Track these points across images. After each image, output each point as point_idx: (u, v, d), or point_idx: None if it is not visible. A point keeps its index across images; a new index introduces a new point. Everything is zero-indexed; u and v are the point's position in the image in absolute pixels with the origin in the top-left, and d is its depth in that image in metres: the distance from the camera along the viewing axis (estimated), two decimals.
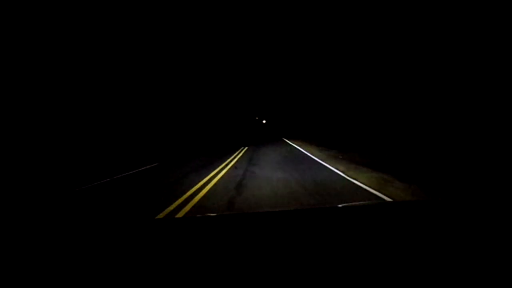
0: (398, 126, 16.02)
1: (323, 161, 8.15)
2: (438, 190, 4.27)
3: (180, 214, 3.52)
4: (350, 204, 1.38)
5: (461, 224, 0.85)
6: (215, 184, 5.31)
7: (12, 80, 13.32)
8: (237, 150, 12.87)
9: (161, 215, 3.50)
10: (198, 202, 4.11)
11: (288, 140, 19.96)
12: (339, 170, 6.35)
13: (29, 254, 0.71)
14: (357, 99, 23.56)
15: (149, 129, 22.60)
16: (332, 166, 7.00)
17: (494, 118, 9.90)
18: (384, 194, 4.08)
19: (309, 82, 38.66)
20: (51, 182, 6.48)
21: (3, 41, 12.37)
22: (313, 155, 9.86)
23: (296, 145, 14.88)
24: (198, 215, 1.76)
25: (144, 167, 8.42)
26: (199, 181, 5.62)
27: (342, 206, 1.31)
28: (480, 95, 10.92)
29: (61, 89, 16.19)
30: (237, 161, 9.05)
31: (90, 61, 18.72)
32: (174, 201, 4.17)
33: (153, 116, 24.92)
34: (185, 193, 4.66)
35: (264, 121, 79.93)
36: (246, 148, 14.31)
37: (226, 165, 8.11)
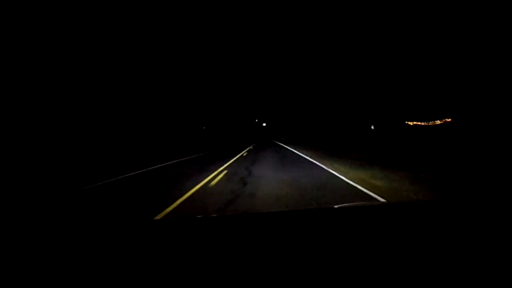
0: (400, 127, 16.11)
1: None
2: None
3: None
4: (346, 205, 1.40)
5: (458, 225, 0.85)
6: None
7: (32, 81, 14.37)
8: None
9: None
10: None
11: (297, 150, 16.55)
12: None
13: (29, 254, 0.73)
14: (357, 104, 23.31)
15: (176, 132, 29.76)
16: None
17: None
18: None
19: (309, 87, 38.54)
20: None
21: (7, 43, 12.24)
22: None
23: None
24: (198, 216, 1.76)
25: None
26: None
27: (339, 207, 1.31)
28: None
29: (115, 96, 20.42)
30: None
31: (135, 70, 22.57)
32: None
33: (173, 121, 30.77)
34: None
35: (264, 124, 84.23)
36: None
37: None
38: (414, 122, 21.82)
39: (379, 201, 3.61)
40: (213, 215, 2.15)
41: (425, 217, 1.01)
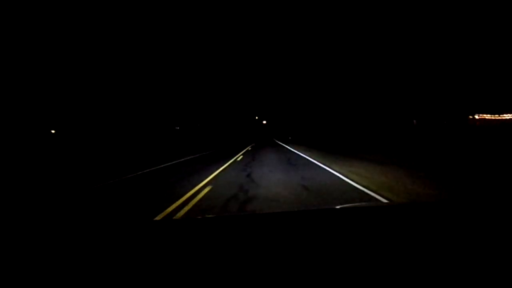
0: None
1: None
2: None
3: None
4: (348, 205, 1.38)
5: (461, 226, 0.86)
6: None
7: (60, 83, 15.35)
8: None
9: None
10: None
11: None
12: None
13: (30, 253, 0.75)
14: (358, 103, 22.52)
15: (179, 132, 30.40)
16: None
17: None
18: None
19: (320, 76, 35.79)
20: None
21: (6, 44, 12.98)
22: None
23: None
24: (198, 217, 1.69)
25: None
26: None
27: (341, 208, 1.32)
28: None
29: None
30: None
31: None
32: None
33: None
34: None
35: (264, 122, 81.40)
36: None
37: None
38: (481, 115, 16.71)
39: (381, 201, 3.62)
40: (214, 216, 2.07)
41: (428, 218, 1.01)
